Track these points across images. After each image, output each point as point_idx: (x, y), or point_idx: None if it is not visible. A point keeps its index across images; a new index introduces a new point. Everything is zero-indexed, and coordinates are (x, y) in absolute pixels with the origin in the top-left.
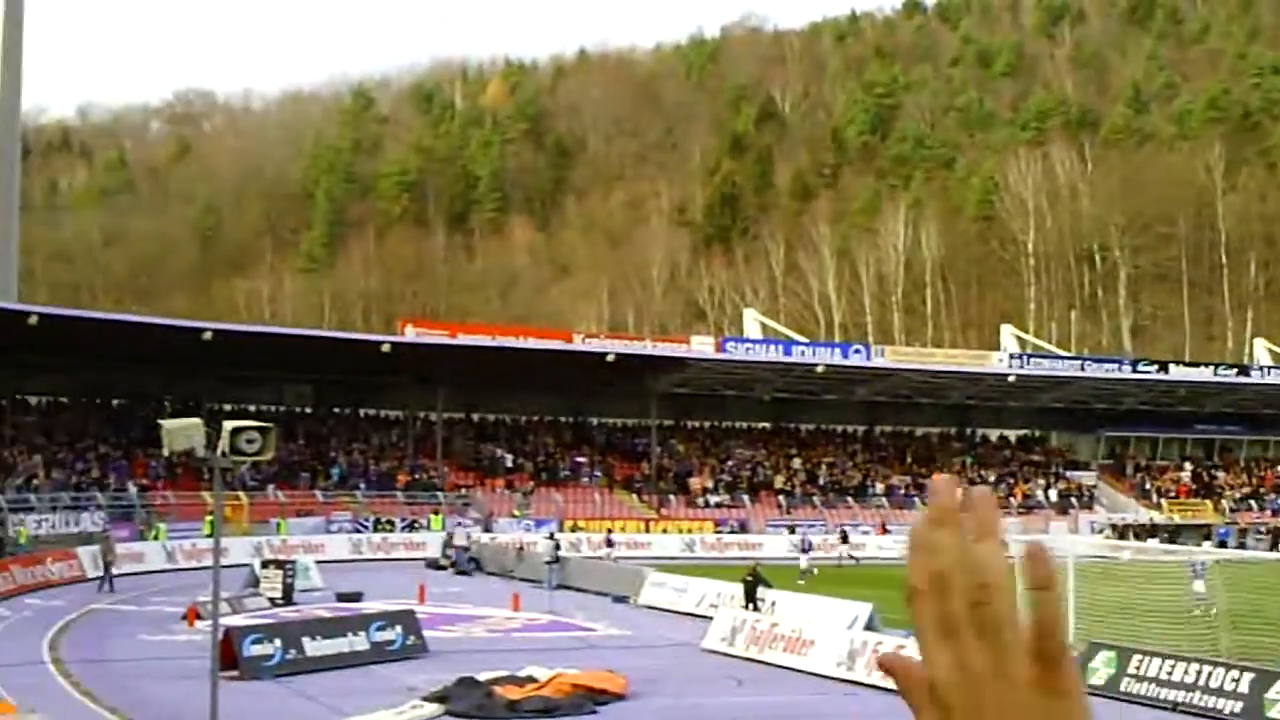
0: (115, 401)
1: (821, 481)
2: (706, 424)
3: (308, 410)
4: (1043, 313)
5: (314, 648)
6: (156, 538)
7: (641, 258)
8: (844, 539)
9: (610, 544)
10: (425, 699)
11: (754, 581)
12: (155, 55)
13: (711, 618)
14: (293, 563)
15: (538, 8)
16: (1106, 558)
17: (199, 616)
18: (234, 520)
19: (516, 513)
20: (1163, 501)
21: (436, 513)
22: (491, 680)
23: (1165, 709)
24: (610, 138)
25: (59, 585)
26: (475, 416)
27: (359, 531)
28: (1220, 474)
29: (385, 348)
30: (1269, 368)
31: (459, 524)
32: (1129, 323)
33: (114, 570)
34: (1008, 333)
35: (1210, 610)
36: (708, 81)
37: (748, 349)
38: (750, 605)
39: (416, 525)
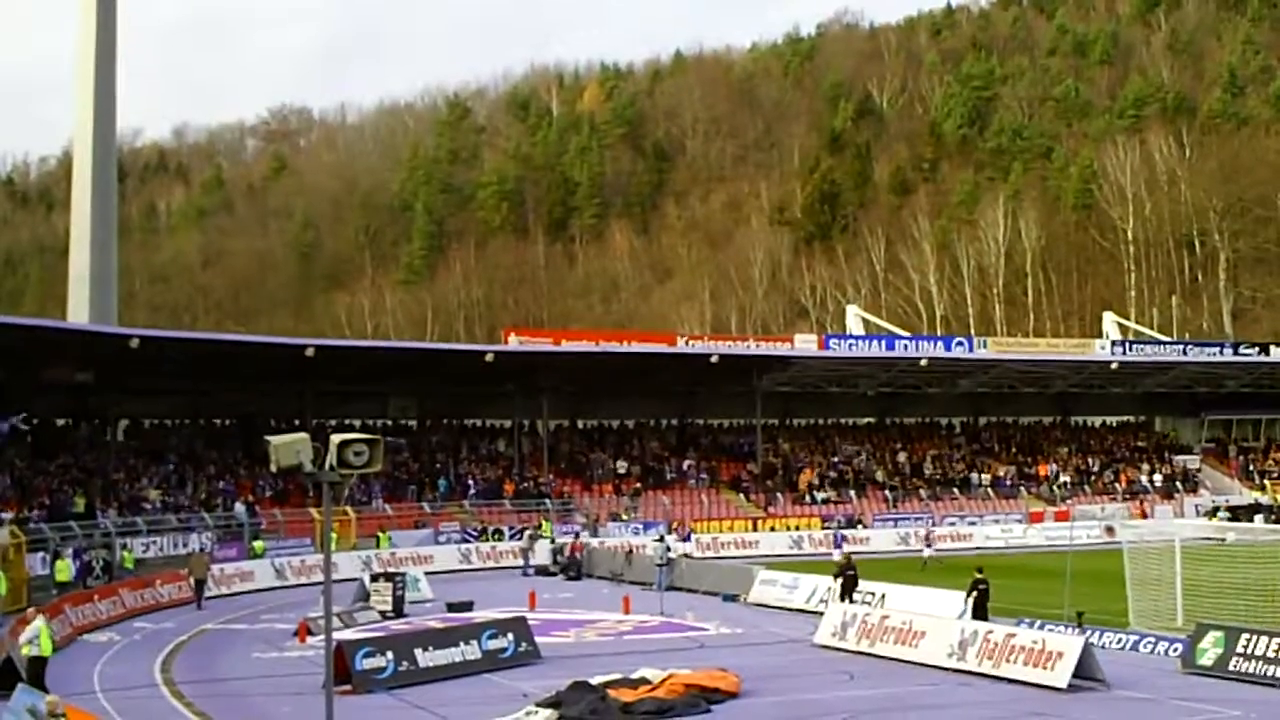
0: (219, 421)
1: (927, 474)
2: (811, 421)
3: (412, 423)
4: (1143, 299)
5: (426, 659)
6: (255, 555)
7: (742, 258)
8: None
9: (687, 539)
10: (539, 705)
11: (854, 575)
12: (249, 74)
13: (822, 613)
14: (402, 575)
15: (632, 11)
16: (1212, 539)
17: (310, 632)
18: (341, 535)
19: (624, 516)
20: (1266, 482)
21: (546, 520)
22: (605, 683)
23: (1274, 686)
24: (708, 139)
25: (169, 607)
26: (580, 423)
27: (467, 541)
28: None
29: (489, 357)
30: None
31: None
32: (1229, 306)
33: (205, 590)
34: (1109, 320)
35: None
36: (805, 80)
37: (851, 345)
38: (847, 598)
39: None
